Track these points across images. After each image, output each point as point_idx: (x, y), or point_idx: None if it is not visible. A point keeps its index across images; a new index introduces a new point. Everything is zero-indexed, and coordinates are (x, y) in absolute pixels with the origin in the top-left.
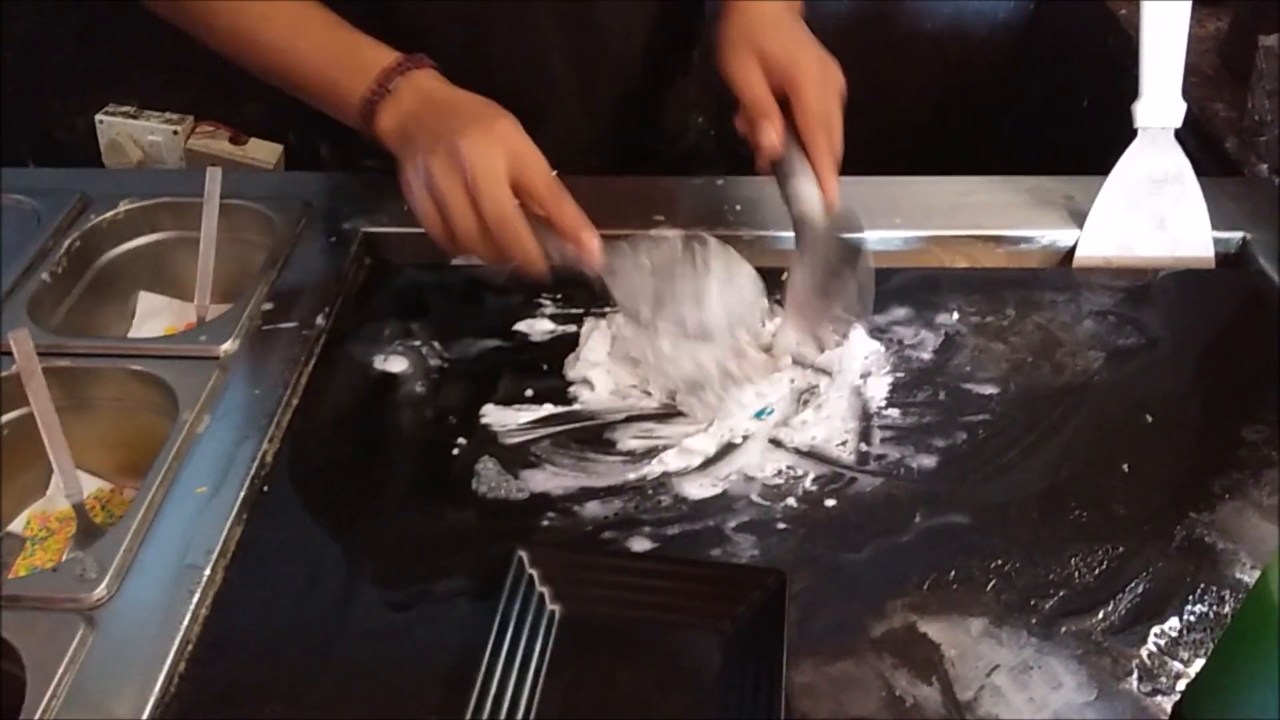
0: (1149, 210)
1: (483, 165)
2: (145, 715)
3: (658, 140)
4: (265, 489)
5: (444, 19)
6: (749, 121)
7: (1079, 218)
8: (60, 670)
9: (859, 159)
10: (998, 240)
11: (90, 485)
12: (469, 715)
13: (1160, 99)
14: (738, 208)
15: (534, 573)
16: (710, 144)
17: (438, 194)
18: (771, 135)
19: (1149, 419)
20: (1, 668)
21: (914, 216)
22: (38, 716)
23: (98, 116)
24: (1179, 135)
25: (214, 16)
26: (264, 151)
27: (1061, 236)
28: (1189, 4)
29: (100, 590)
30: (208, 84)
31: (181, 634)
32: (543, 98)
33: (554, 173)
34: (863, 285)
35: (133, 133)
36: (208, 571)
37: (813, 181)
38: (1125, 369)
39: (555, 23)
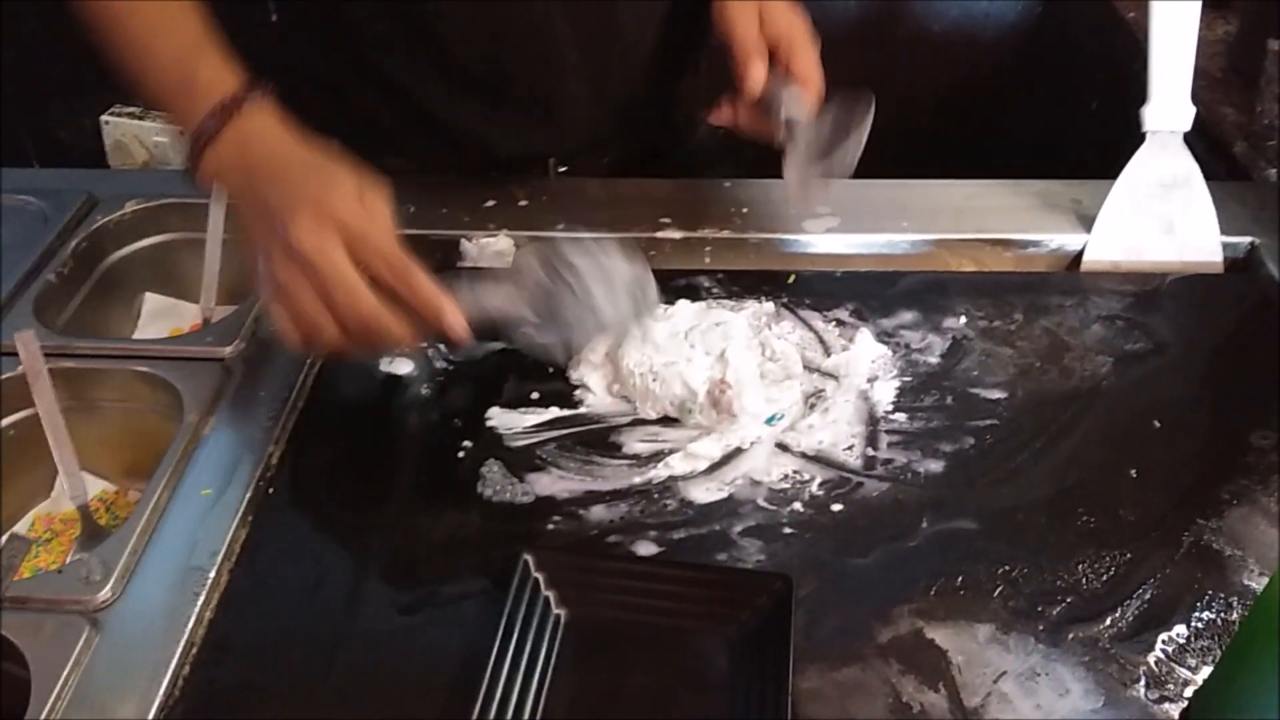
0: (1157, 214)
1: (324, 260)
2: (150, 717)
3: (667, 138)
4: (270, 491)
5: (459, 16)
6: (738, 61)
7: (1087, 221)
8: (65, 672)
9: (864, 161)
10: (1005, 244)
11: (95, 487)
12: (474, 718)
13: (1169, 102)
14: (744, 210)
15: (540, 576)
16: (719, 142)
17: (289, 305)
18: (758, 72)
19: (1157, 424)
20: (5, 670)
21: (921, 219)
22: (42, 718)
23: (103, 117)
24: (1187, 139)
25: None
26: None
27: (1069, 240)
28: (1199, 6)
29: (105, 592)
30: None
31: (186, 636)
32: (555, 94)
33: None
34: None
35: (138, 134)
36: (212, 574)
37: (801, 98)
38: (1133, 374)
39: (570, 21)
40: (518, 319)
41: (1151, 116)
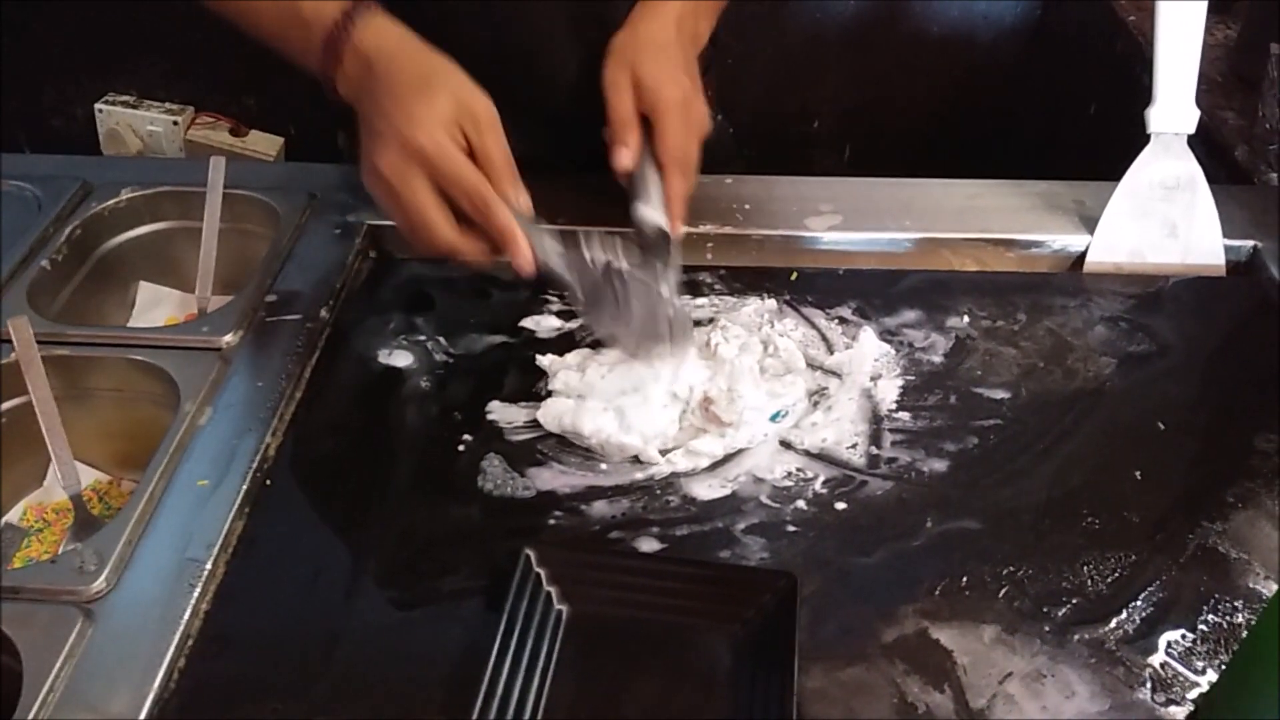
0: (1160, 217)
1: (434, 145)
2: (144, 712)
3: None
4: (268, 482)
5: (463, 21)
6: (610, 138)
7: (1089, 223)
8: (58, 664)
9: (867, 160)
10: (1008, 244)
11: (88, 477)
12: (475, 716)
13: (1174, 105)
14: (746, 207)
15: (541, 572)
16: (729, 140)
17: (401, 202)
18: (624, 159)
19: (1161, 426)
20: None
21: (924, 219)
22: (34, 712)
23: (97, 105)
24: (1189, 143)
25: None
26: (264, 143)
27: (1072, 241)
28: (1204, 9)
29: (99, 583)
30: (208, 74)
31: (181, 629)
32: (561, 98)
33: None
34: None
35: (132, 122)
36: (209, 565)
37: (656, 207)
38: (1137, 375)
39: (574, 24)
40: (570, 290)
41: (1156, 118)
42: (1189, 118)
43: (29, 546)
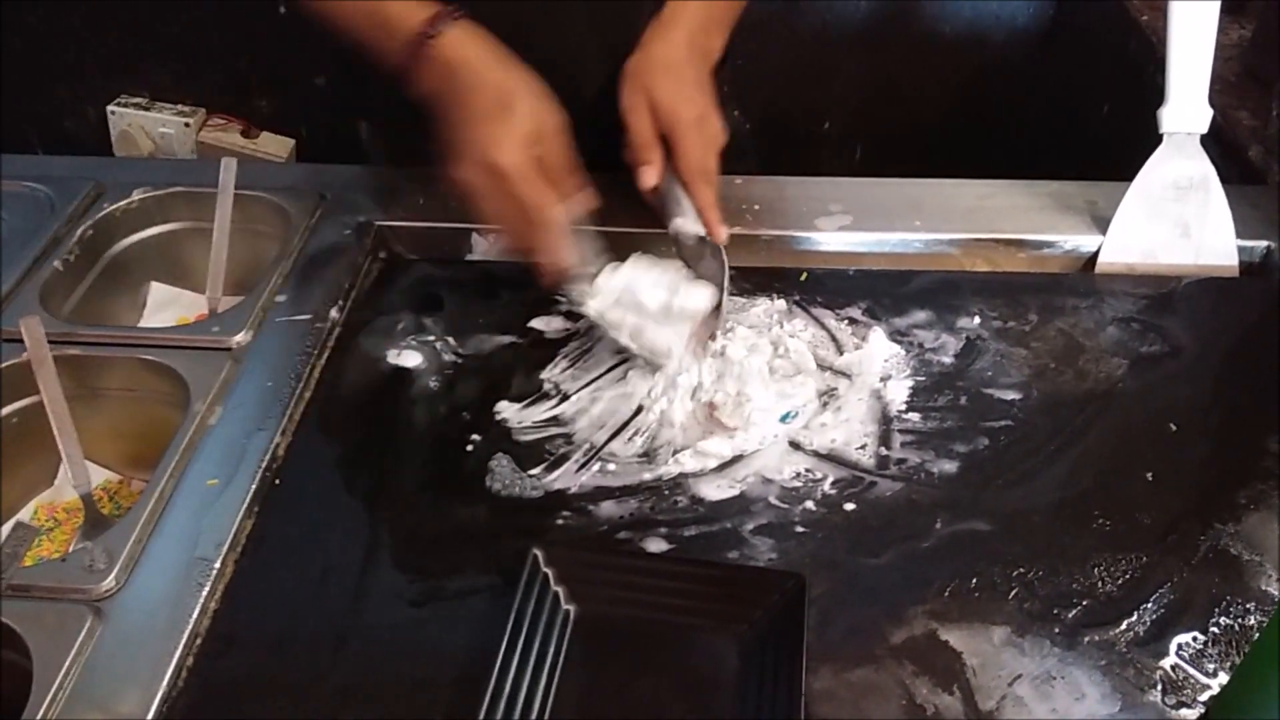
0: (1173, 217)
1: (512, 167)
2: (152, 711)
3: None
4: (277, 482)
5: (485, 22)
6: (632, 159)
7: (1101, 223)
8: (67, 662)
9: (878, 160)
10: (1019, 244)
11: (98, 476)
12: (482, 714)
13: (1187, 104)
14: (756, 207)
15: (549, 572)
16: (746, 136)
17: (487, 211)
18: (648, 178)
19: (1173, 428)
20: (6, 659)
21: (934, 219)
22: (43, 710)
23: (109, 107)
24: (1202, 143)
25: None
26: (275, 145)
27: (1084, 242)
28: (1217, 8)
29: (109, 581)
30: (220, 77)
31: (190, 627)
32: (581, 95)
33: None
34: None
35: (144, 124)
36: (218, 564)
37: (692, 219)
38: (1149, 376)
39: (593, 22)
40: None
41: (1169, 118)
42: (1202, 117)
43: (40, 546)
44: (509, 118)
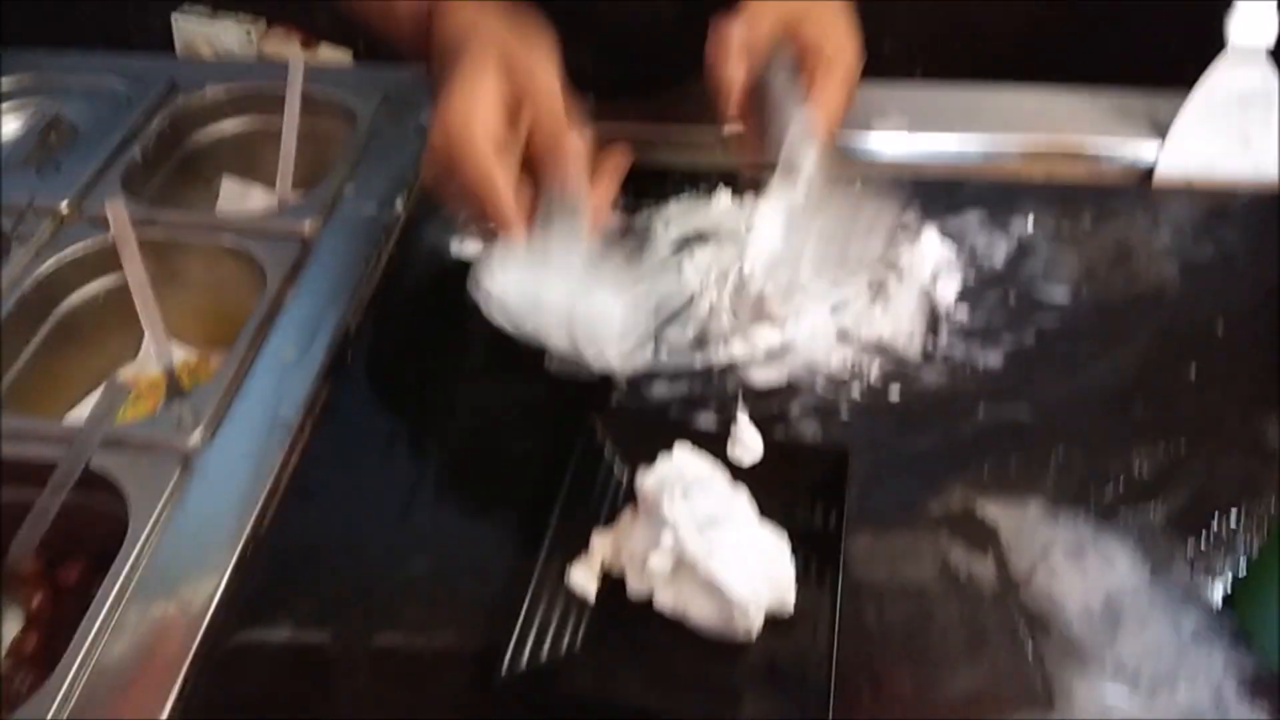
0: (1234, 129)
1: (461, 139)
2: (234, 557)
3: None
4: (350, 357)
5: None
6: (715, 70)
7: (1161, 132)
8: (158, 508)
9: (935, 65)
10: (1077, 153)
11: (178, 354)
12: (541, 558)
13: (1256, 14)
14: None
15: (606, 440)
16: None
17: (429, 180)
18: (730, 112)
19: (1220, 330)
20: (101, 506)
21: (992, 124)
22: (135, 551)
23: (173, 14)
24: (1269, 56)
25: None
26: (334, 57)
27: (1142, 152)
28: None
29: (195, 437)
30: None
31: (271, 482)
32: (661, 61)
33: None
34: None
35: (207, 33)
36: (295, 427)
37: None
38: (1200, 283)
39: None
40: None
41: (1236, 28)
42: (1271, 29)
43: (125, 412)
44: (475, 84)
